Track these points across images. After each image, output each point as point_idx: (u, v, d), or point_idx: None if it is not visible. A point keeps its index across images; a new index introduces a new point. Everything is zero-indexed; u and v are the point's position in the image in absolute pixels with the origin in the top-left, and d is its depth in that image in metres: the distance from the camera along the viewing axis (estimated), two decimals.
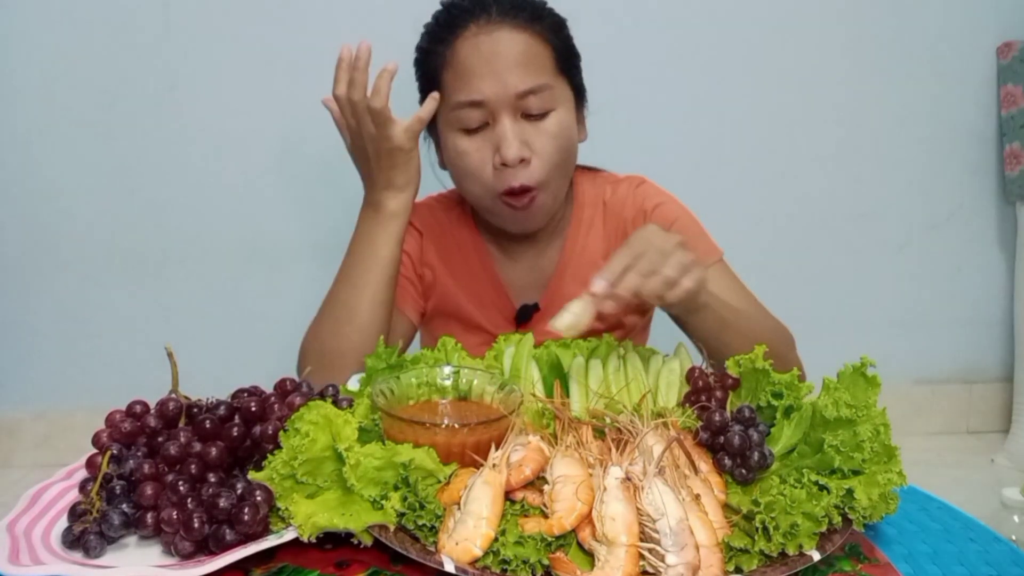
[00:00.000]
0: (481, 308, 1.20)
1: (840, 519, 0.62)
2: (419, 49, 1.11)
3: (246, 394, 0.75)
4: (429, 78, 1.08)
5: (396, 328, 1.11)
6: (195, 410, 0.72)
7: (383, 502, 0.61)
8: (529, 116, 1.03)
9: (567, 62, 1.08)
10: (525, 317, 1.18)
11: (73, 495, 0.68)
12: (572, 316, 0.80)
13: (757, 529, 0.61)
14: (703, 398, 0.79)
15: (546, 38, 1.04)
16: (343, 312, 1.02)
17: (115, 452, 0.68)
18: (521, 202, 1.05)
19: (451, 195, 1.25)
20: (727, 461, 0.70)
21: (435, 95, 1.04)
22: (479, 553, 0.58)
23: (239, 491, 0.62)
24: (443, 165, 1.15)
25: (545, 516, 0.62)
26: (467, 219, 1.22)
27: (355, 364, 0.97)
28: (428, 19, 1.10)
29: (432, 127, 1.13)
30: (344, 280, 1.04)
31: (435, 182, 1.21)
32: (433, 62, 1.06)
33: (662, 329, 1.31)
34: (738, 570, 0.59)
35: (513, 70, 1.00)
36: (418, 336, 1.25)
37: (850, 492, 0.63)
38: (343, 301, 1.02)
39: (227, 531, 0.60)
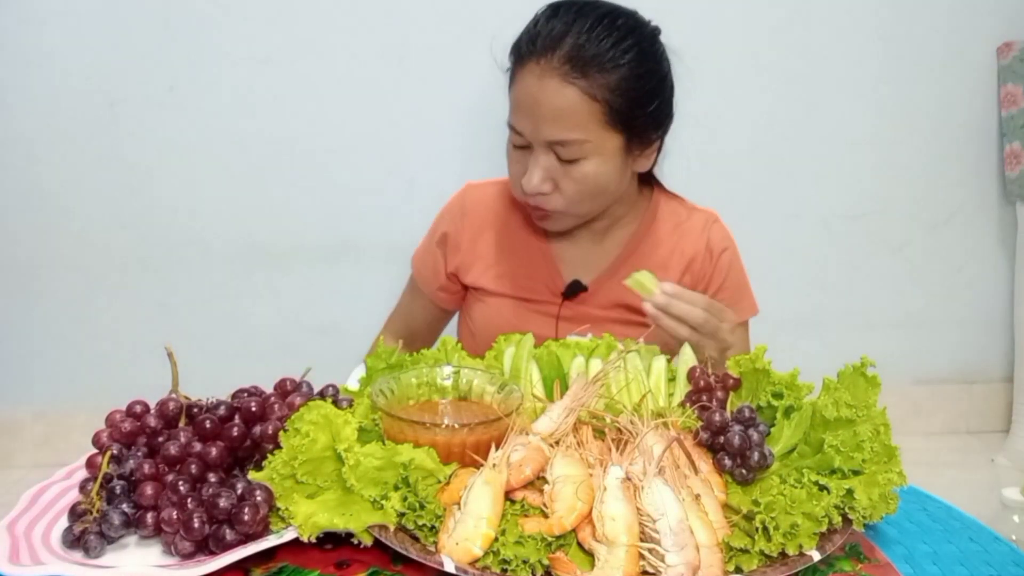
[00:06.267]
0: (528, 280, 1.22)
1: (840, 519, 0.62)
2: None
3: (246, 394, 0.75)
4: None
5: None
6: (195, 410, 0.72)
7: (383, 502, 0.61)
8: (560, 158, 1.06)
9: (623, 115, 1.05)
10: (572, 292, 1.20)
11: (73, 495, 0.68)
12: (644, 275, 0.96)
13: (757, 529, 0.61)
14: (703, 398, 0.79)
15: (597, 96, 1.02)
16: None
17: (115, 452, 0.68)
18: (537, 214, 1.13)
19: None
20: (727, 461, 0.70)
21: None
22: (479, 553, 0.58)
23: (239, 491, 0.62)
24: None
25: (545, 516, 0.62)
26: None
27: None
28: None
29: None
30: None
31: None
32: (511, 70, 1.10)
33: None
34: (738, 570, 0.59)
35: (548, 121, 1.03)
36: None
37: (850, 492, 0.63)
38: None
39: (227, 531, 0.60)
